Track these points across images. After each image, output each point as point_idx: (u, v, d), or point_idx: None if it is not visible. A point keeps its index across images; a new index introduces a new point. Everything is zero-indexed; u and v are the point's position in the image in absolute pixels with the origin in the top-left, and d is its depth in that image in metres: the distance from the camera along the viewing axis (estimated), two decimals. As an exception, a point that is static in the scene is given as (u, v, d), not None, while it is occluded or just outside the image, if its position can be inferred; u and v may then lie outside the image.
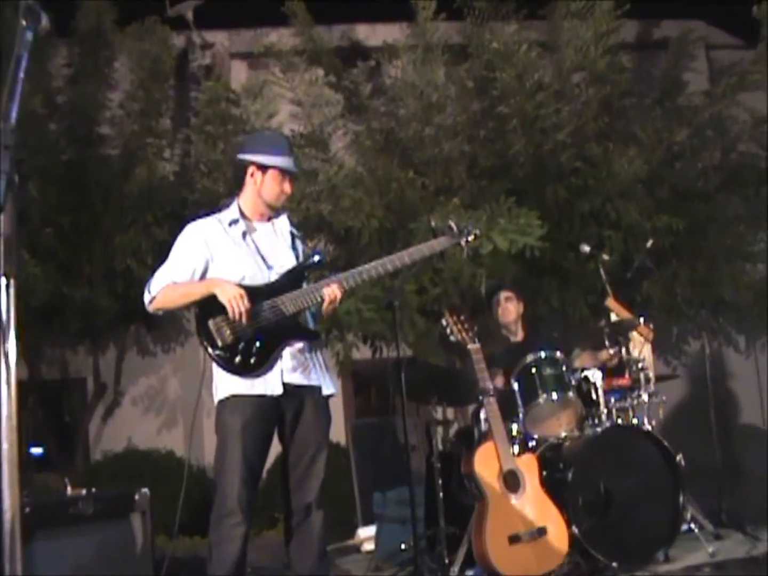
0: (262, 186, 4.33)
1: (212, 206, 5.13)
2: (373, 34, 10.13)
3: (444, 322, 5.08)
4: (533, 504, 5.02)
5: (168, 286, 4.21)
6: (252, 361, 4.08)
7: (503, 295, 6.47)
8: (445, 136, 8.43)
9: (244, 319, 4.04)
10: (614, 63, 8.74)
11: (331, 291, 4.19)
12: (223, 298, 4.03)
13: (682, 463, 5.58)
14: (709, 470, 6.48)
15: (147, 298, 4.24)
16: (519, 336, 6.44)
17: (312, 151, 8.76)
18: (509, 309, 6.42)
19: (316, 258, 4.39)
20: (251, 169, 4.35)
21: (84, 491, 5.18)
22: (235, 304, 4.02)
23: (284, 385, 4.13)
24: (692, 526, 5.64)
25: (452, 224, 4.63)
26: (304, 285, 4.25)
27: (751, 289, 9.30)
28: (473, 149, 8.53)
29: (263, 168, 4.33)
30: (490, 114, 8.65)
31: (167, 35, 9.34)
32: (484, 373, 5.01)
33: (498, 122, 8.56)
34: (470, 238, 4.60)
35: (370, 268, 4.35)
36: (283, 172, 4.33)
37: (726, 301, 9.37)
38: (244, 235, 4.30)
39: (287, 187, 4.35)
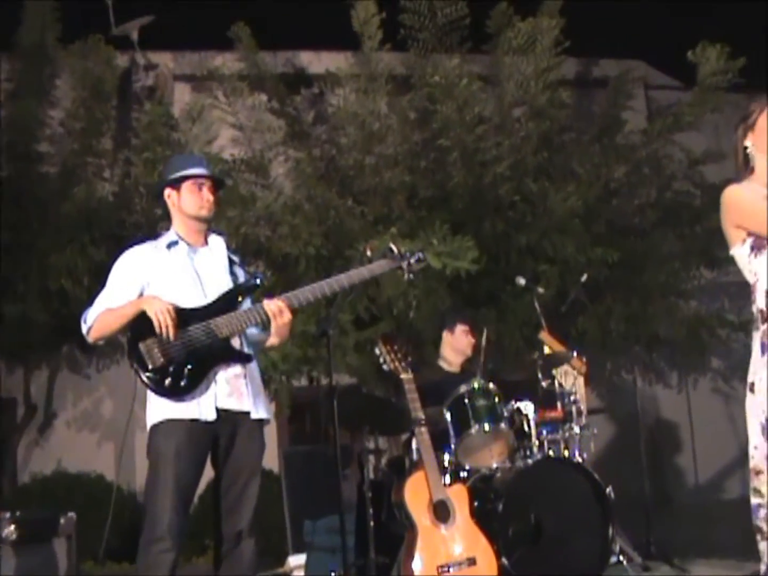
0: (180, 201, 4.33)
1: (151, 228, 5.11)
2: (317, 62, 10.16)
3: (377, 351, 5.08)
4: (463, 534, 5.01)
5: (102, 313, 4.17)
6: (182, 383, 4.04)
7: (464, 327, 6.49)
8: (386, 166, 8.47)
9: (171, 333, 4.01)
10: (554, 99, 8.87)
11: (274, 305, 4.17)
12: (150, 312, 4.01)
13: (612, 495, 5.64)
14: (639, 503, 6.55)
15: (84, 329, 4.21)
16: (457, 368, 6.46)
17: (251, 176, 8.76)
18: (471, 341, 6.45)
19: (255, 281, 4.38)
20: (167, 192, 4.36)
21: (7, 514, 5.09)
22: (162, 318, 3.99)
23: (218, 410, 4.10)
24: (621, 557, 5.71)
25: (393, 247, 4.61)
26: (243, 308, 4.24)
27: (684, 325, 9.44)
28: (413, 180, 8.58)
29: (176, 185, 4.33)
30: (431, 145, 8.71)
31: (111, 54, 9.24)
32: (416, 403, 5.01)
33: (438, 154, 8.63)
34: (413, 260, 4.57)
35: (312, 290, 4.32)
36: (196, 181, 4.33)
37: (659, 337, 9.50)
38: (186, 254, 4.28)
39: (206, 194, 4.33)
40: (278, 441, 9.62)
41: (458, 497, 5.07)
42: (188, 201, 4.31)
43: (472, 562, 4.97)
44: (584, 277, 6.84)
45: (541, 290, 6.63)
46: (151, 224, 8.05)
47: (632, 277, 9.04)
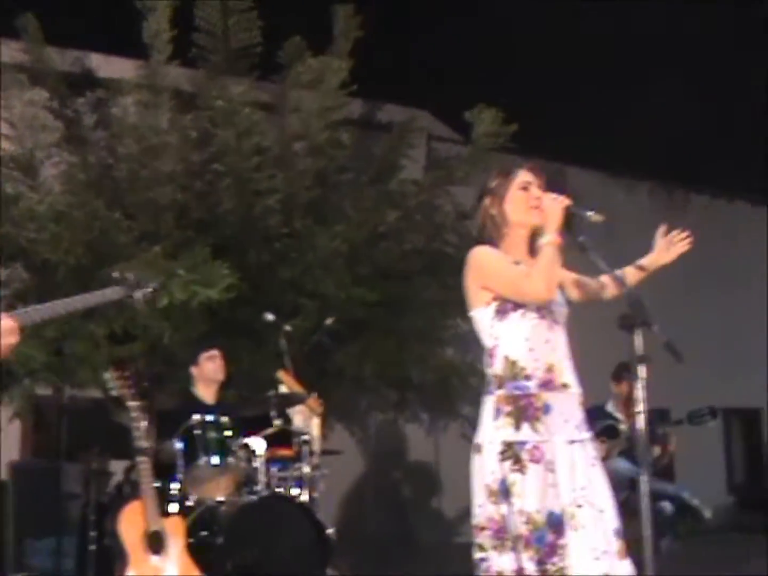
0: None
1: None
2: (106, 66, 9.87)
3: (106, 376, 5.02)
4: (175, 566, 5.01)
5: None
6: None
7: (207, 354, 6.45)
8: (159, 182, 8.33)
9: None
10: (335, 138, 8.95)
11: (5, 324, 4.04)
12: None
13: (334, 536, 5.75)
14: (374, 541, 6.70)
15: None
16: (212, 399, 6.42)
17: (19, 174, 8.45)
18: (219, 364, 6.42)
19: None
20: None
21: None
22: None
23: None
24: (336, 598, 5.82)
25: (131, 275, 4.56)
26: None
27: (437, 371, 9.67)
28: (185, 199, 8.46)
29: None
30: (207, 168, 8.63)
31: None
32: (140, 432, 4.98)
33: (213, 177, 8.54)
34: (146, 290, 4.51)
35: (44, 310, 4.20)
36: None
37: (413, 380, 9.71)
38: None
39: None
40: (21, 452, 9.29)
41: (174, 529, 5.06)
42: None
43: (182, 595, 4.96)
44: (329, 321, 6.94)
45: (288, 328, 6.68)
46: None
47: (391, 320, 9.19)
